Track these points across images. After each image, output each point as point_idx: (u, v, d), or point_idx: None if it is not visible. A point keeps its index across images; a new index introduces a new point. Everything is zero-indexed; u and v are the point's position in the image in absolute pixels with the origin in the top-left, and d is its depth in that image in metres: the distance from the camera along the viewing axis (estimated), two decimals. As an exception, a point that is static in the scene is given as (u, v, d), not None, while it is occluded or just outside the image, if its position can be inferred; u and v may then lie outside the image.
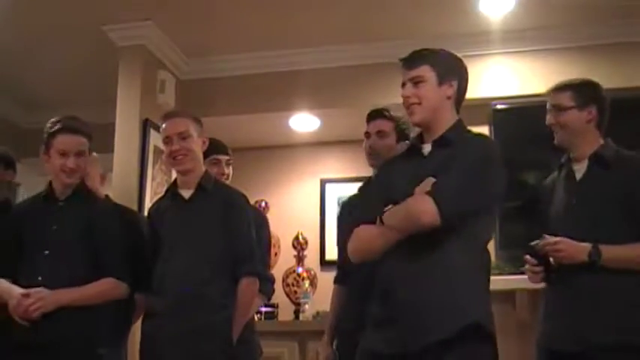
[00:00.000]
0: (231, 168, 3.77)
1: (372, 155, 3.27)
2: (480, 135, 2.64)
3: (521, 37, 4.92)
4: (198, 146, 3.29)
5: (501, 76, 5.00)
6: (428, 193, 2.39)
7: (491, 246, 4.52)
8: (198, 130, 3.30)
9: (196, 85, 5.43)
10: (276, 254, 5.28)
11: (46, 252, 3.11)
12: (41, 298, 2.99)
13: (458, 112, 2.66)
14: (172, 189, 3.36)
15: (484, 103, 4.89)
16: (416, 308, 2.43)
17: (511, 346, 4.16)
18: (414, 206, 2.42)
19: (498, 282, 4.18)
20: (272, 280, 3.70)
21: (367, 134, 3.31)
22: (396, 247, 2.49)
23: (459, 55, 2.71)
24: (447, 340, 2.36)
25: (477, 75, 4.98)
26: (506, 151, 4.53)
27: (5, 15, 4.70)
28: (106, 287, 3.14)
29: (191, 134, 3.26)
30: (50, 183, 3.28)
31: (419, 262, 2.46)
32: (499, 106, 4.88)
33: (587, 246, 2.86)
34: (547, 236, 2.95)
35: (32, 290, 3.01)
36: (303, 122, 5.56)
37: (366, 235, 2.59)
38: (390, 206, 2.50)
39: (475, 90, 4.93)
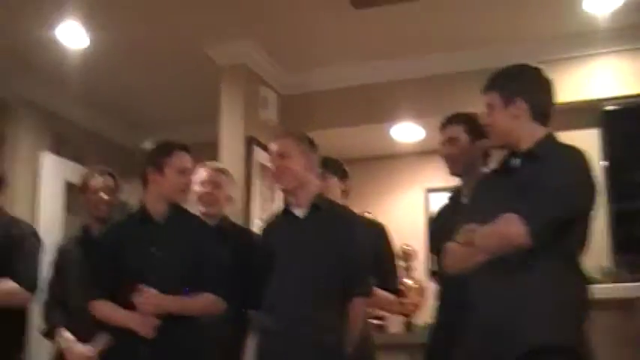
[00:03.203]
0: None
1: (448, 163, 3.26)
2: (568, 147, 2.58)
3: (629, 34, 4.73)
4: (298, 165, 3.26)
5: (610, 76, 4.82)
6: (516, 212, 2.36)
7: (603, 250, 4.42)
8: (299, 149, 3.28)
9: (298, 100, 5.46)
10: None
11: (152, 276, 3.09)
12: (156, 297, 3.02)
13: (546, 124, 2.62)
14: (286, 207, 3.37)
15: (593, 105, 4.73)
16: (490, 327, 2.42)
17: (628, 357, 4.00)
18: (504, 229, 2.39)
19: (614, 290, 4.06)
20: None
21: (442, 143, 3.28)
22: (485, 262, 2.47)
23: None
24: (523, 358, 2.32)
25: (585, 76, 4.83)
26: (618, 152, 4.49)
27: (110, 41, 4.84)
28: (208, 301, 3.16)
29: (289, 154, 3.26)
30: (142, 204, 3.27)
31: (501, 280, 2.44)
32: (609, 107, 4.71)
33: None
34: None
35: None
36: (406, 132, 5.52)
37: (458, 253, 2.57)
38: (472, 225, 2.50)
39: (583, 91, 4.81)
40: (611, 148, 4.66)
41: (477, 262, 2.50)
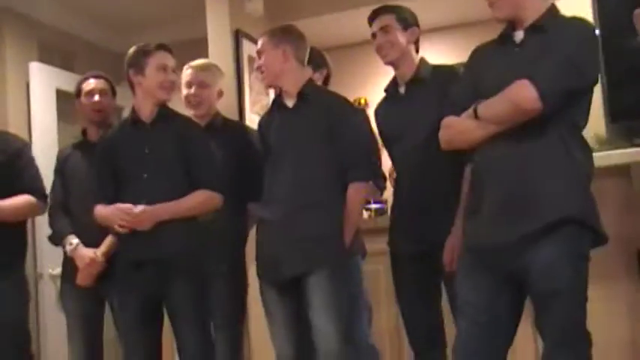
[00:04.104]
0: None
1: (383, 53, 3.24)
2: (574, 18, 2.56)
3: None
4: (277, 59, 3.25)
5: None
6: (526, 78, 2.35)
7: (600, 119, 4.42)
8: (272, 43, 3.27)
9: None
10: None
11: (145, 175, 3.22)
12: (139, 216, 3.14)
13: None
14: (277, 99, 3.38)
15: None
16: (512, 199, 2.44)
17: (627, 218, 4.06)
18: (514, 94, 2.39)
19: (611, 157, 4.07)
20: (384, 177, 3.69)
21: (373, 35, 3.27)
22: (492, 136, 2.48)
23: None
24: (537, 232, 2.38)
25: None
26: (612, 18, 4.42)
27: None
28: (201, 198, 3.24)
29: (264, 50, 3.27)
30: (133, 108, 3.36)
31: (516, 152, 2.45)
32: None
33: None
34: None
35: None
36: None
37: (462, 126, 2.58)
38: (482, 101, 2.49)
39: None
40: (606, 15, 4.59)
41: (481, 137, 2.52)
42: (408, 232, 3.17)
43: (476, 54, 2.75)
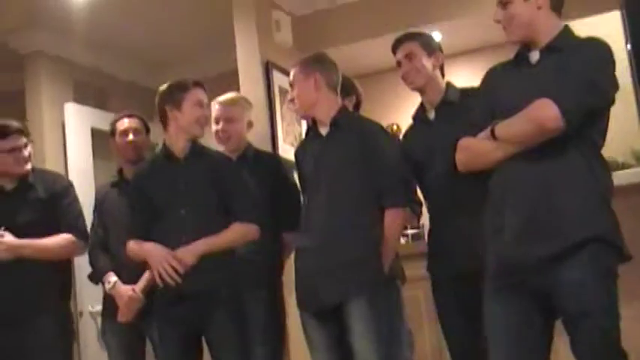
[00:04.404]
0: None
1: (409, 79, 3.26)
2: (590, 38, 2.56)
3: None
4: (308, 89, 3.25)
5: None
6: (546, 97, 2.34)
7: (634, 134, 4.34)
8: (304, 73, 3.27)
9: (312, 19, 5.36)
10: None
11: (182, 211, 3.23)
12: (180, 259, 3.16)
13: (560, 15, 2.59)
14: (311, 128, 3.39)
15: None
16: (536, 219, 2.41)
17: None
18: (536, 113, 2.37)
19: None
20: (419, 202, 3.68)
21: (398, 63, 3.29)
22: (511, 156, 2.47)
23: None
24: (563, 251, 2.35)
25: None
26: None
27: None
28: (239, 232, 3.27)
29: (295, 82, 3.29)
30: (164, 143, 3.38)
31: (537, 171, 2.43)
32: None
33: None
34: None
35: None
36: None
37: (479, 148, 2.57)
38: (498, 122, 2.47)
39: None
40: (637, 30, 4.55)
41: (499, 158, 2.50)
42: (445, 257, 3.16)
43: (491, 74, 2.75)
